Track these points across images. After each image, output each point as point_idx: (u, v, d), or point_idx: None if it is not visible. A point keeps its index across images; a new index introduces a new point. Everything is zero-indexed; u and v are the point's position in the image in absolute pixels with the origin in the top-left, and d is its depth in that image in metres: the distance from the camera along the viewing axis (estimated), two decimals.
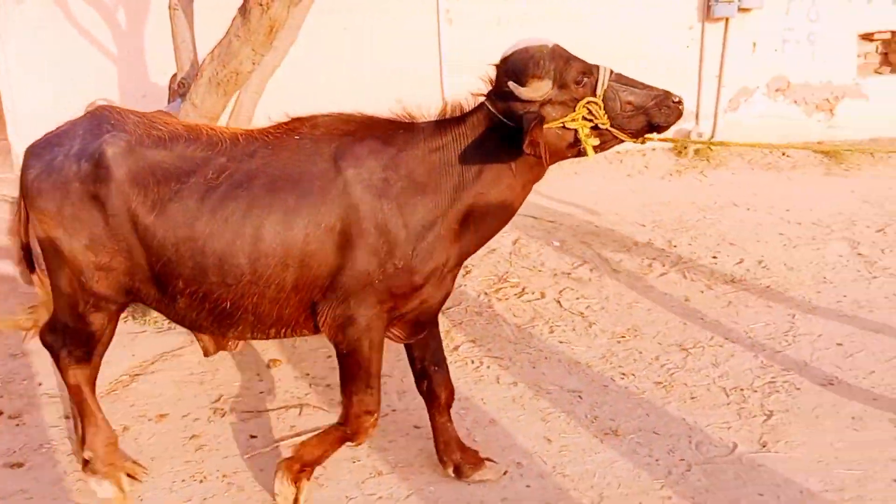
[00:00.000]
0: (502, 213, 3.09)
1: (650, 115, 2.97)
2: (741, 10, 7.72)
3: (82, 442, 3.30)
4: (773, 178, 7.58)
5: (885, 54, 8.14)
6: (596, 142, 2.95)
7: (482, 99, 3.04)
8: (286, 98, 7.39)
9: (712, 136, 8.10)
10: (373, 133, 3.05)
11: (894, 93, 8.05)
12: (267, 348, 4.55)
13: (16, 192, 3.31)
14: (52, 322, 3.25)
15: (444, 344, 4.49)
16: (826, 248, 5.78)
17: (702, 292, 5.14)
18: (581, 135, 2.91)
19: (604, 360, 4.34)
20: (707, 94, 8.08)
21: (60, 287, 3.11)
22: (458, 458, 3.35)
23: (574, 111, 2.91)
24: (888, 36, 8.05)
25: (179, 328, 4.75)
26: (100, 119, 3.08)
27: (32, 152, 3.10)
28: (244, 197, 2.91)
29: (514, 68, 2.92)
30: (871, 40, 8.10)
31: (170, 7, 4.92)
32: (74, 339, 3.18)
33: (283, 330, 3.17)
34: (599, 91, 2.93)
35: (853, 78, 8.04)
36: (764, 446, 3.48)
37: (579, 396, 3.99)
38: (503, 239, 6.03)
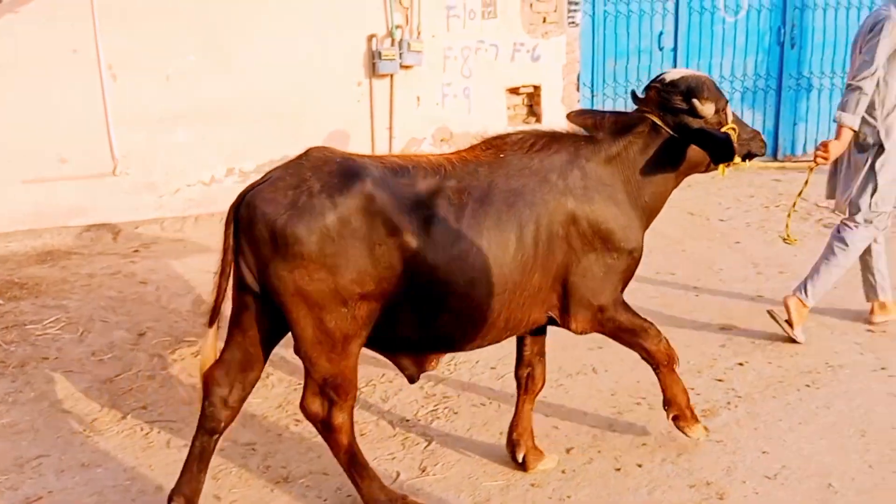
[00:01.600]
0: (661, 207, 3.73)
1: (751, 146, 3.77)
2: (403, 67, 8.31)
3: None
4: None
5: (531, 106, 9.20)
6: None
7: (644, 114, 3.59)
8: None
9: None
10: (564, 146, 3.48)
11: None
12: None
13: None
14: (313, 388, 3.22)
15: (104, 414, 4.31)
16: None
17: None
18: None
19: (280, 409, 4.39)
20: (380, 146, 8.57)
21: (319, 331, 3.04)
22: (528, 444, 3.70)
23: None
24: (531, 90, 9.12)
25: None
26: (324, 158, 3.11)
27: (260, 200, 2.98)
28: (491, 212, 3.20)
29: (689, 89, 3.49)
30: (518, 94, 9.12)
31: None
32: (341, 387, 3.17)
33: (515, 332, 3.51)
34: (731, 122, 3.63)
35: (505, 128, 8.97)
36: (423, 471, 3.73)
37: (253, 449, 3.99)
38: (182, 299, 5.90)
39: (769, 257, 6.66)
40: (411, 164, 3.23)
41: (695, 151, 3.57)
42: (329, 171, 3.03)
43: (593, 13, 9.80)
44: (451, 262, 3.11)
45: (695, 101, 3.46)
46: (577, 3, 9.29)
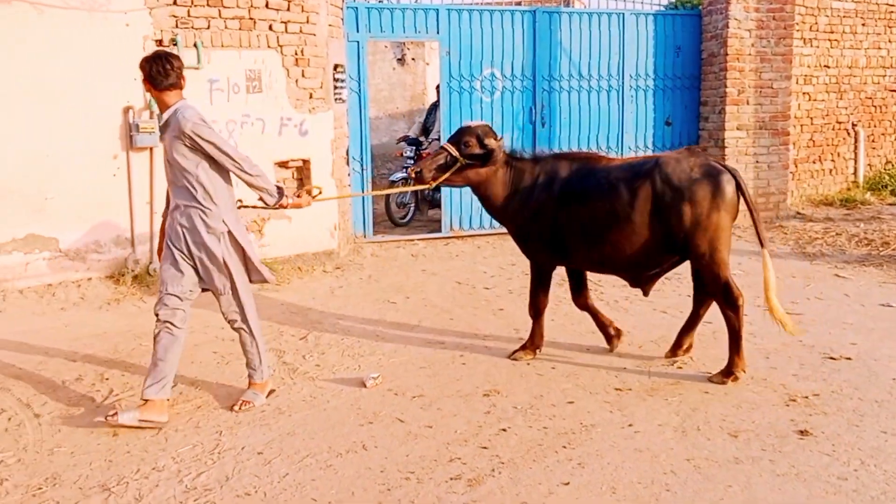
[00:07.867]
0: None
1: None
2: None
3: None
4: None
5: (300, 180, 9.16)
6: None
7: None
8: None
9: (150, 262, 8.15)
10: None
11: (311, 213, 9.06)
12: None
13: None
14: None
15: None
16: None
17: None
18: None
19: None
20: (140, 220, 8.16)
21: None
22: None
23: None
24: (300, 164, 9.11)
25: None
26: (686, 154, 5.62)
27: (707, 175, 5.39)
28: None
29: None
30: (287, 167, 9.06)
31: None
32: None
33: None
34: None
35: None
36: None
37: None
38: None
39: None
40: None
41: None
42: (699, 164, 5.43)
43: (360, 90, 10.07)
44: None
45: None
46: (342, 81, 9.50)
